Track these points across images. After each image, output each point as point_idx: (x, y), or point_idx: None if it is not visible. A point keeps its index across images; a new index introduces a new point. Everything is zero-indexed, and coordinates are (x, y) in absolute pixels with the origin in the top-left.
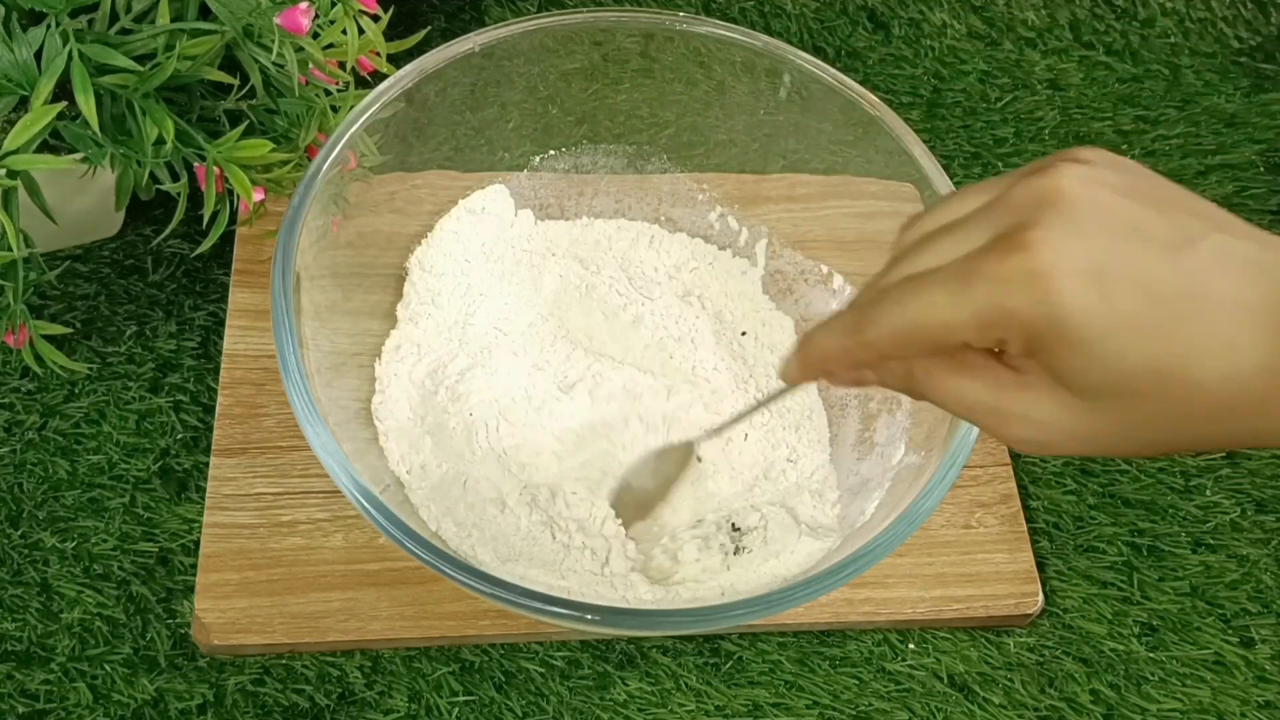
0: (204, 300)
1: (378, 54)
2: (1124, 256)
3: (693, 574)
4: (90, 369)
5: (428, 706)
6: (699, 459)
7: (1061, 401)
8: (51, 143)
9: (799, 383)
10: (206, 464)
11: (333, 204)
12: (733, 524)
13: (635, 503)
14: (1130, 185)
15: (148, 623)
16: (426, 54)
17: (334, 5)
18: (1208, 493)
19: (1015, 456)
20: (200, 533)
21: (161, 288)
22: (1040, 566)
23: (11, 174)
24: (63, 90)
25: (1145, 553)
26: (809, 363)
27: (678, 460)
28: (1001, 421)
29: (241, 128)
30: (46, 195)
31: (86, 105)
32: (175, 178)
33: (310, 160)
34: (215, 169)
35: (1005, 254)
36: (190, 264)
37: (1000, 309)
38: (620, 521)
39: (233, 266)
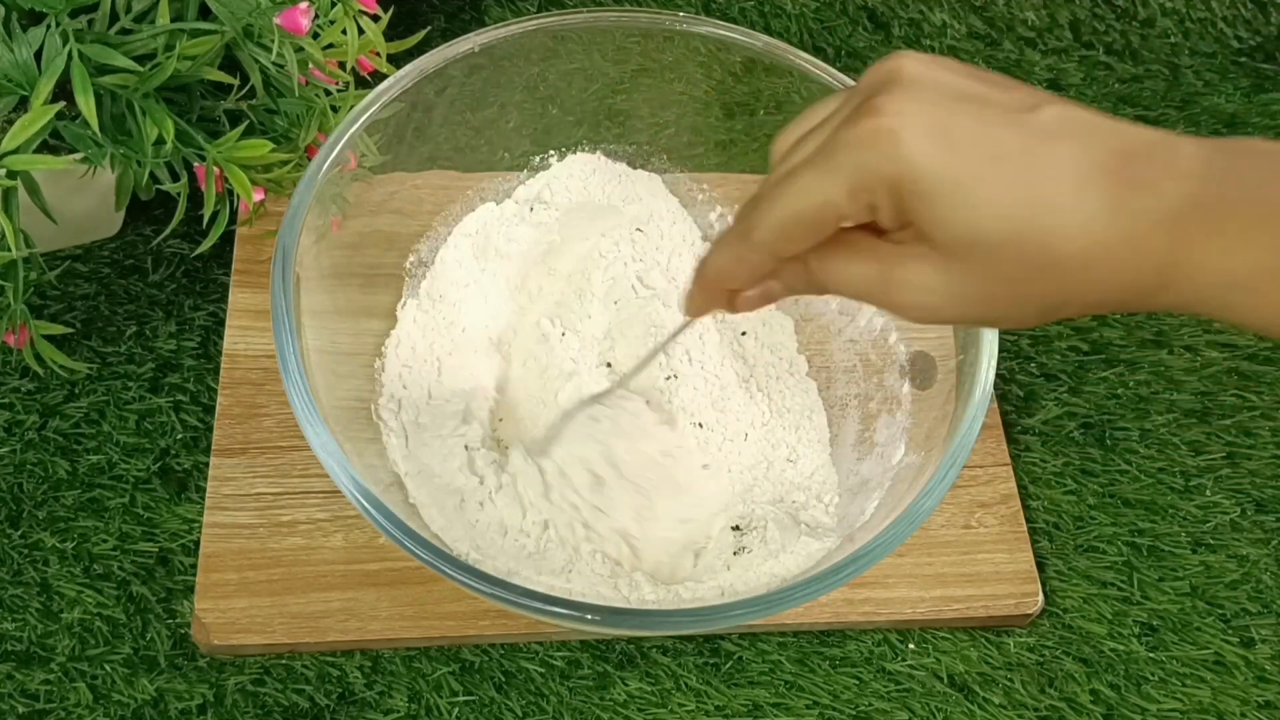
0: (204, 300)
1: (378, 54)
2: (966, 117)
3: (692, 574)
4: (90, 369)
5: (428, 706)
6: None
7: (934, 264)
8: (51, 143)
9: (704, 311)
10: (206, 464)
11: (333, 204)
12: (734, 525)
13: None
14: (968, 70)
15: (148, 623)
16: (426, 54)
17: (334, 5)
18: (1208, 493)
19: (1015, 456)
20: (200, 533)
21: (161, 288)
22: (1040, 566)
23: (11, 174)
24: (62, 90)
25: (1145, 553)
26: (708, 284)
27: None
28: (887, 291)
29: (241, 128)
30: (46, 195)
31: (86, 105)
32: (175, 178)
33: (310, 160)
34: (215, 169)
35: (857, 121)
36: (190, 264)
37: (861, 170)
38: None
39: (233, 266)
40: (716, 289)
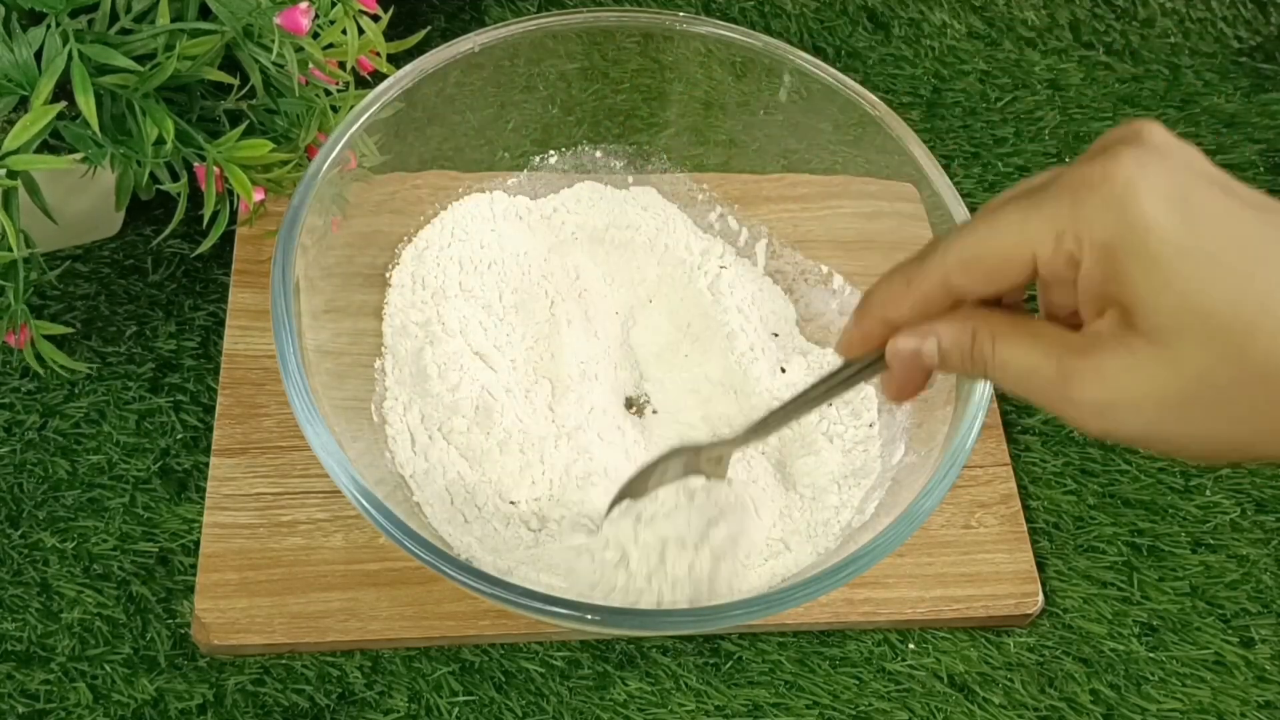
0: (204, 300)
1: (378, 54)
2: (1209, 194)
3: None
4: (90, 369)
5: (428, 706)
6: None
7: (1132, 352)
8: (51, 143)
9: (858, 349)
10: (206, 464)
11: (333, 204)
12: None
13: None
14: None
15: (148, 623)
16: (426, 54)
17: (334, 5)
18: (1208, 492)
19: (1015, 456)
20: (200, 533)
21: (161, 288)
22: (1040, 566)
23: (11, 174)
24: (63, 90)
25: (1145, 553)
26: (866, 310)
27: (685, 464)
28: (1067, 385)
29: (241, 128)
30: (46, 195)
31: (86, 105)
32: (175, 178)
33: (310, 160)
34: (215, 169)
35: (1089, 163)
36: (190, 264)
37: (1078, 214)
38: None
39: (233, 266)
40: (874, 318)
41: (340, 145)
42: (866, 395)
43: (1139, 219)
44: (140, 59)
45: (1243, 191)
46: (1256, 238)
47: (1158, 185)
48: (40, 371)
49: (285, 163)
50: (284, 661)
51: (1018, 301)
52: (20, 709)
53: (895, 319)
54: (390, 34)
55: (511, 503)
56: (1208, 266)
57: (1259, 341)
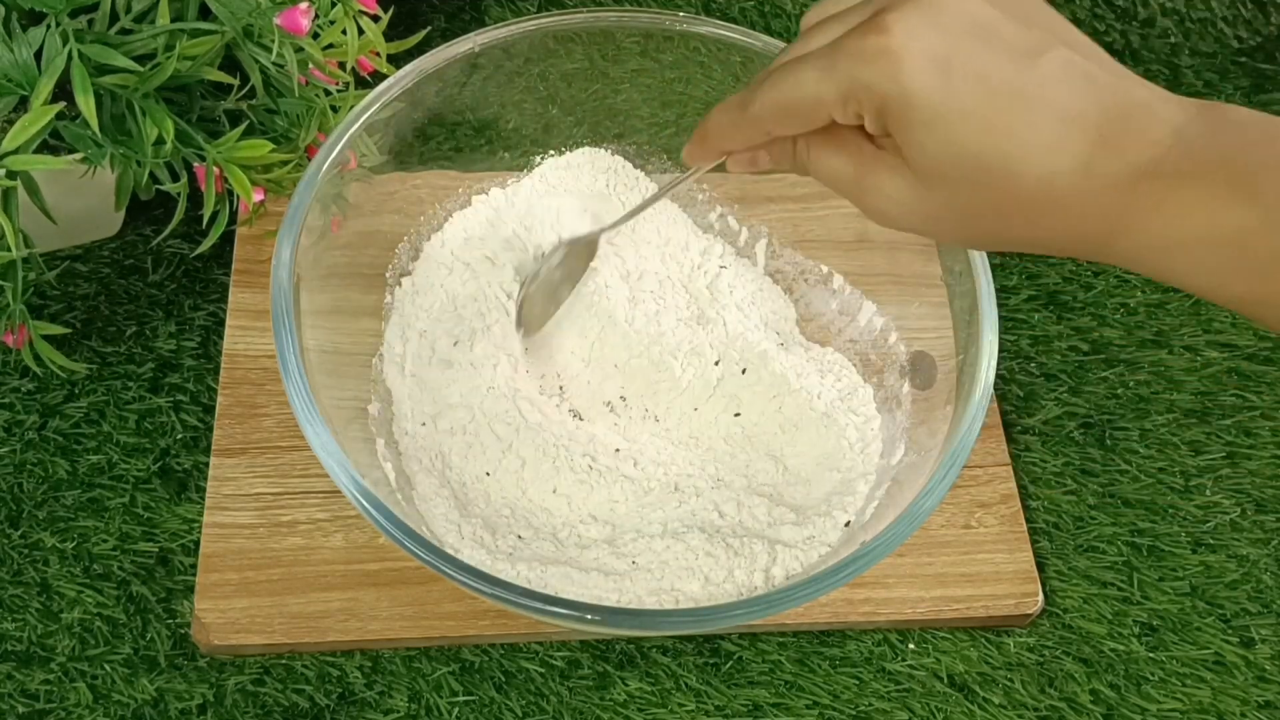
0: (204, 300)
1: (377, 54)
2: (970, 51)
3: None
4: (90, 369)
5: (428, 706)
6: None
7: (905, 179)
8: (51, 143)
9: (700, 161)
10: (206, 464)
11: (332, 204)
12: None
13: (539, 306)
14: None
15: (148, 623)
16: (426, 54)
17: (334, 5)
18: (1208, 492)
19: (1015, 456)
20: (200, 533)
21: (161, 288)
22: (1040, 566)
23: (11, 174)
24: (62, 90)
25: (1145, 553)
26: (706, 139)
27: (583, 256)
28: (860, 191)
29: (241, 128)
30: (46, 195)
31: (86, 105)
32: (175, 178)
33: (310, 160)
34: (215, 169)
35: (865, 34)
36: (190, 264)
37: (856, 83)
38: (522, 332)
39: (232, 266)
40: (712, 146)
41: (340, 145)
42: (866, 397)
43: (902, 90)
44: (140, 59)
45: (1009, 34)
46: (1005, 89)
47: (923, 51)
48: (39, 372)
49: (285, 163)
50: (284, 661)
51: None
52: (20, 709)
53: (729, 148)
54: (390, 34)
55: (513, 498)
56: (960, 122)
57: (995, 180)
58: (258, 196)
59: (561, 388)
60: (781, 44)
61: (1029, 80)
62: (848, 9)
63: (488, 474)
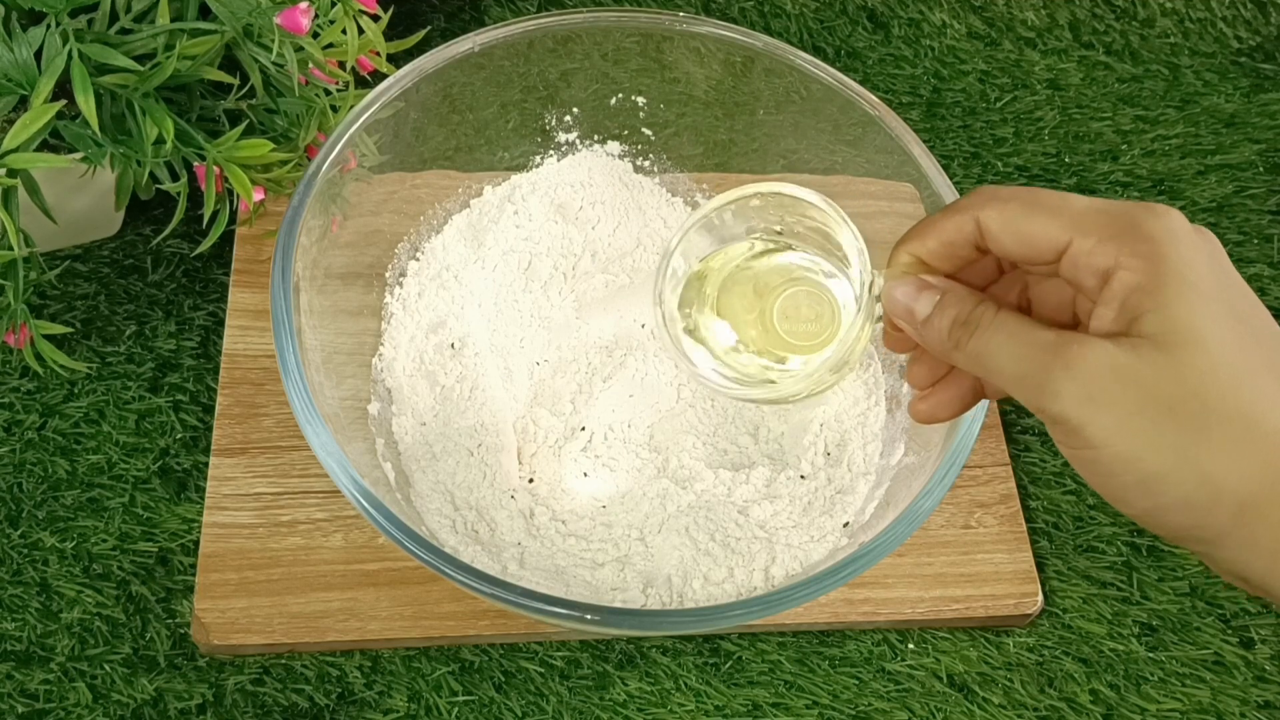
0: (204, 300)
1: (377, 54)
2: (1234, 275)
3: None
4: (90, 369)
5: (427, 706)
6: None
7: (1133, 349)
8: (51, 142)
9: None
10: (206, 464)
11: (332, 204)
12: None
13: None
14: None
15: (147, 623)
16: (426, 54)
17: (334, 5)
18: None
19: (1015, 456)
20: (200, 533)
21: (161, 287)
22: (1040, 566)
23: (11, 172)
24: (62, 90)
25: (1145, 553)
26: (901, 244)
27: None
28: (1048, 372)
29: (241, 127)
30: (46, 195)
31: (86, 105)
32: (175, 177)
33: (310, 160)
34: (215, 169)
35: (1140, 206)
36: (190, 264)
37: (1124, 231)
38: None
39: (232, 266)
40: (903, 248)
41: (340, 145)
42: (870, 400)
43: (1183, 254)
44: (140, 59)
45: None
46: (1257, 359)
47: (1200, 244)
48: (40, 371)
49: (285, 162)
50: (283, 661)
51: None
52: (20, 709)
53: (919, 251)
54: (390, 34)
55: (512, 497)
56: (1231, 317)
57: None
58: (258, 196)
59: (567, 385)
60: (781, 43)
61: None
62: None
63: (487, 474)
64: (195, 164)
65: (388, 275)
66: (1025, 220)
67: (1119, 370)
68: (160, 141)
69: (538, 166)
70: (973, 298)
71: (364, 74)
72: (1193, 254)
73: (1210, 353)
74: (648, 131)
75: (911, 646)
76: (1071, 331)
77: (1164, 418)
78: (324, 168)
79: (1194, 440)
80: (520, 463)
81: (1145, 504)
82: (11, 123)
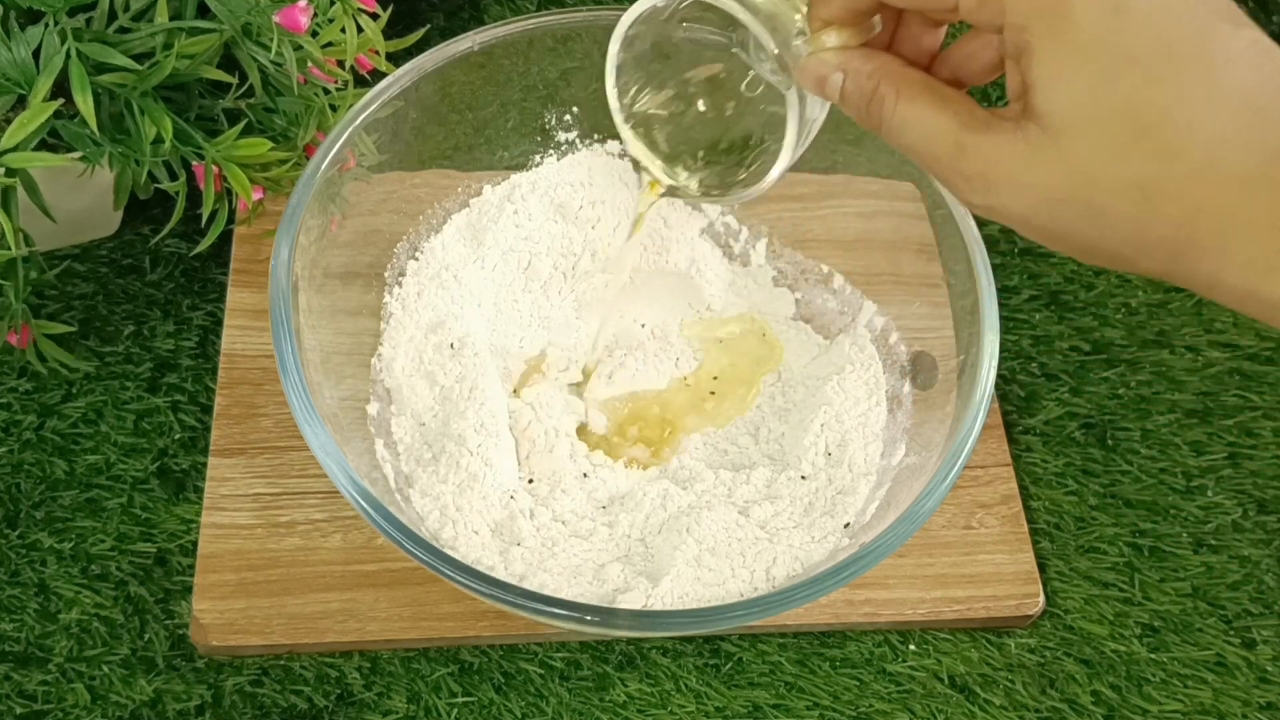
0: (202, 300)
1: (376, 52)
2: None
3: None
4: (90, 369)
5: (426, 708)
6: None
7: (1026, 138)
8: (50, 141)
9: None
10: (204, 464)
11: (331, 203)
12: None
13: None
14: None
15: (145, 623)
16: (425, 53)
17: (333, 3)
18: (1209, 493)
19: (1016, 457)
20: (198, 533)
21: (159, 287)
22: (1041, 567)
23: (10, 172)
24: (61, 89)
25: (1147, 553)
26: None
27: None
28: (959, 155)
29: (240, 126)
30: (45, 194)
31: (84, 104)
32: (173, 177)
33: (309, 159)
34: (214, 168)
35: None
36: (188, 263)
37: None
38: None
39: (231, 266)
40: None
41: (339, 144)
42: (871, 400)
43: (1064, 5)
44: (138, 57)
45: None
46: (1191, 40)
47: None
48: (41, 370)
49: (284, 162)
50: (282, 662)
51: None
52: (18, 710)
53: (830, 14)
54: (389, 32)
55: (512, 497)
56: (1121, 65)
57: (1145, 147)
58: (256, 195)
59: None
60: None
61: (1218, 48)
62: None
63: (487, 474)
64: (194, 163)
65: (387, 275)
66: None
67: (1014, 169)
68: (159, 141)
69: (537, 166)
70: (871, 72)
71: (363, 73)
72: None
73: (1088, 136)
74: None
75: (913, 647)
76: (968, 111)
77: (1069, 208)
78: (323, 167)
79: (1096, 231)
80: (520, 463)
81: (1099, 245)
82: (10, 122)
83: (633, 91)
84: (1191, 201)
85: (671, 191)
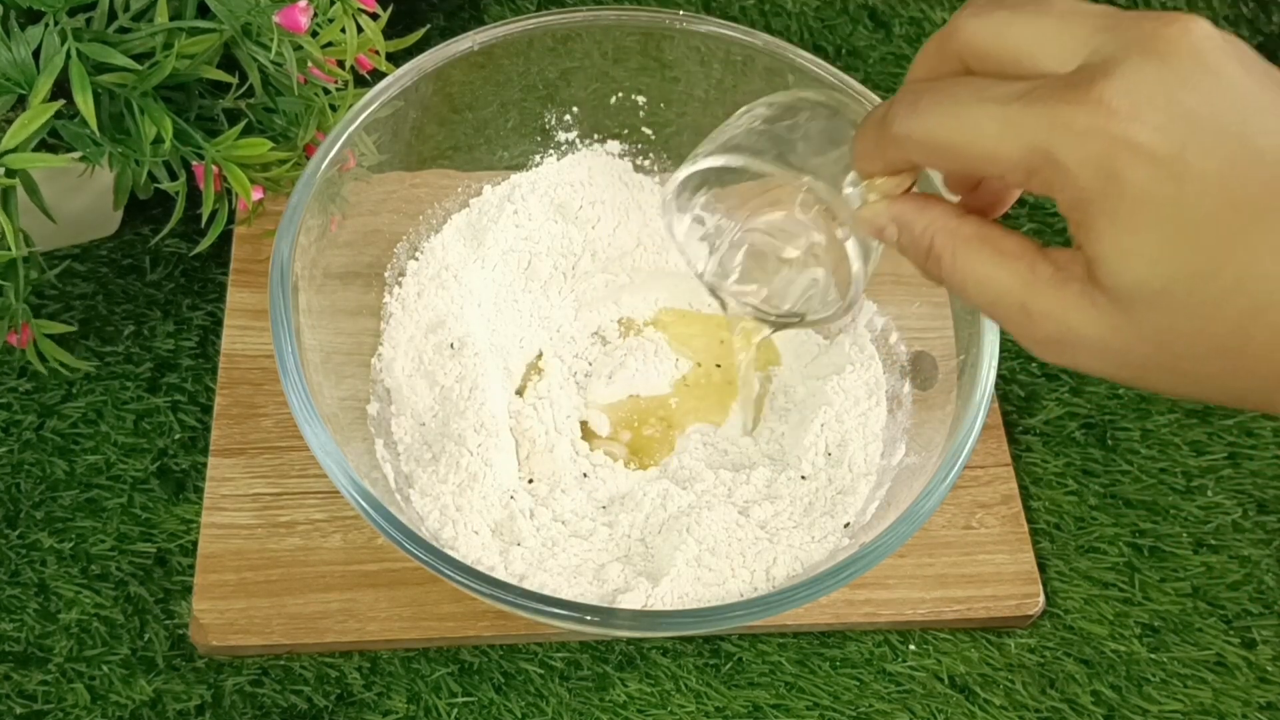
0: (202, 300)
1: (376, 52)
2: (1222, 135)
3: None
4: (90, 369)
5: (426, 708)
6: None
7: (1095, 305)
8: (50, 141)
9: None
10: (204, 464)
11: (331, 203)
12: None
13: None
14: (1264, 69)
15: (145, 623)
16: (425, 53)
17: (333, 3)
18: (1209, 493)
19: (1016, 457)
20: (198, 533)
21: (159, 287)
22: (1041, 567)
23: (10, 172)
24: (61, 89)
25: (1147, 553)
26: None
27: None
28: (1027, 317)
29: (240, 126)
30: (45, 194)
31: (85, 104)
32: (173, 177)
33: (309, 159)
34: (214, 168)
35: (1075, 100)
36: (188, 263)
37: (1050, 158)
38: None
39: (231, 266)
40: (857, 160)
41: (339, 144)
42: (871, 400)
43: (1121, 169)
44: (138, 57)
45: (1271, 122)
46: (1258, 192)
47: (1158, 123)
48: (41, 370)
49: (284, 162)
50: (282, 662)
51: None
52: (18, 710)
53: (866, 168)
54: (389, 32)
55: (512, 497)
56: (1187, 235)
57: (1225, 314)
58: (256, 195)
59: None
60: (782, 42)
61: None
62: (1045, 35)
63: (487, 475)
64: (194, 163)
65: (387, 275)
66: (951, 158)
67: (1088, 335)
68: (159, 141)
69: (537, 166)
70: (924, 229)
71: (363, 73)
72: (1136, 162)
73: (1161, 310)
74: (648, 130)
75: (913, 647)
76: (1029, 268)
77: (1151, 372)
78: (323, 167)
79: (1182, 387)
80: (520, 463)
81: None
82: (10, 122)
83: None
84: None
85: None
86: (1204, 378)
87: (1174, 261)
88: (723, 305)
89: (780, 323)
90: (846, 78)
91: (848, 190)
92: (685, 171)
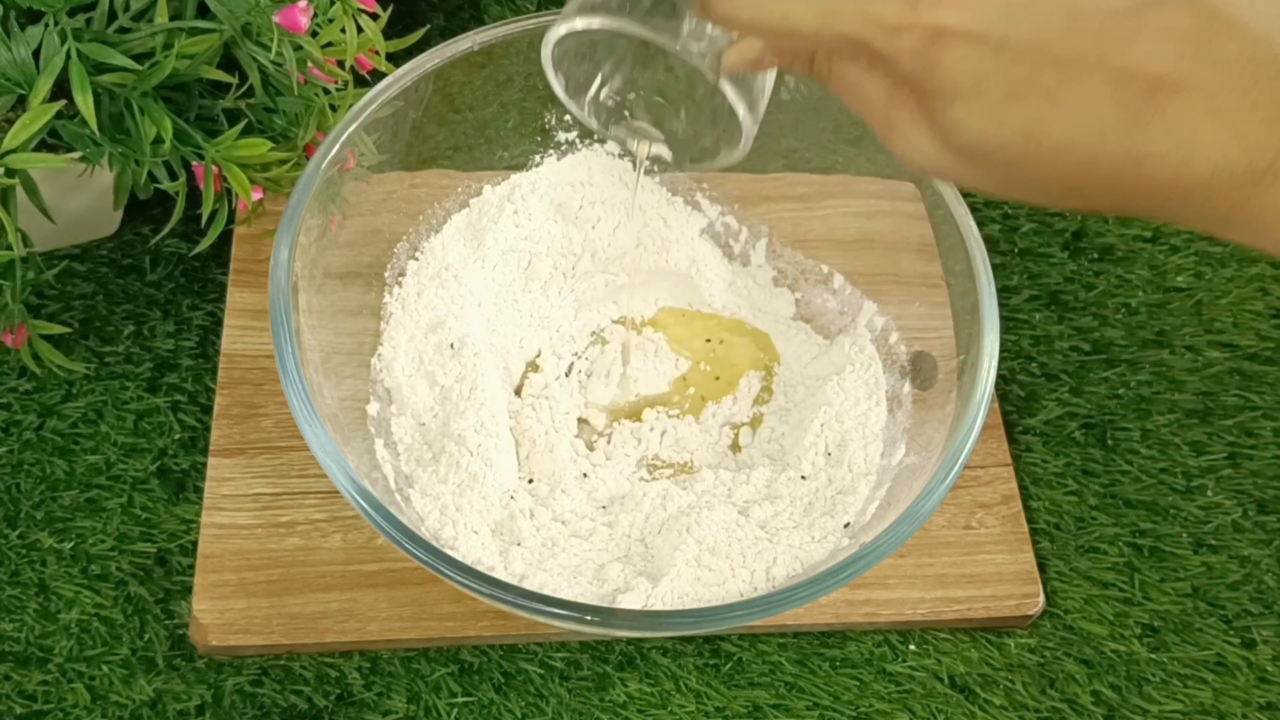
0: (202, 300)
1: (376, 52)
2: (1029, 24)
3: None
4: (88, 369)
5: (426, 708)
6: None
7: (944, 150)
8: (50, 141)
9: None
10: (204, 464)
11: (331, 203)
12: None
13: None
14: None
15: (145, 623)
16: (425, 53)
17: (333, 3)
18: (1209, 493)
19: (1016, 457)
20: (198, 533)
21: (159, 287)
22: (1041, 567)
23: (10, 172)
24: (61, 89)
25: (1147, 553)
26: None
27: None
28: (889, 133)
29: (240, 126)
30: (44, 194)
31: (85, 104)
32: (173, 177)
33: (309, 159)
34: (214, 168)
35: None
36: (188, 263)
37: (869, 48)
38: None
39: (231, 266)
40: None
41: (339, 144)
42: (871, 400)
43: (938, 54)
44: (138, 58)
45: None
46: (1082, 52)
47: (967, 3)
48: (37, 372)
49: (284, 162)
50: (282, 662)
51: None
52: (18, 710)
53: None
54: (389, 32)
55: (512, 497)
56: (1011, 99)
57: (1040, 155)
58: (256, 195)
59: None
60: None
61: (1101, 41)
62: None
63: (487, 475)
64: (194, 163)
65: (387, 275)
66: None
67: (935, 165)
68: (159, 141)
69: (537, 166)
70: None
71: (363, 73)
72: (957, 57)
73: (1005, 165)
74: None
75: (913, 647)
76: (891, 92)
77: (979, 181)
78: (323, 167)
79: (1007, 191)
80: (520, 463)
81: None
82: (10, 122)
83: (592, 90)
84: (1130, 200)
85: (659, 161)
86: (1051, 202)
87: (1006, 125)
88: (625, 150)
89: (680, 151)
90: None
91: (713, 33)
92: (556, 33)
